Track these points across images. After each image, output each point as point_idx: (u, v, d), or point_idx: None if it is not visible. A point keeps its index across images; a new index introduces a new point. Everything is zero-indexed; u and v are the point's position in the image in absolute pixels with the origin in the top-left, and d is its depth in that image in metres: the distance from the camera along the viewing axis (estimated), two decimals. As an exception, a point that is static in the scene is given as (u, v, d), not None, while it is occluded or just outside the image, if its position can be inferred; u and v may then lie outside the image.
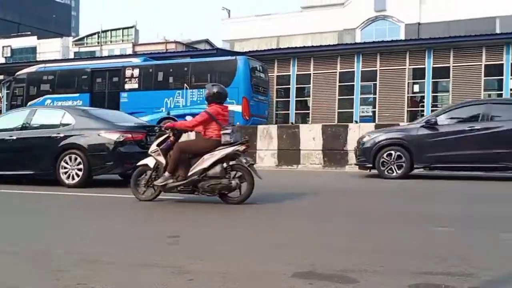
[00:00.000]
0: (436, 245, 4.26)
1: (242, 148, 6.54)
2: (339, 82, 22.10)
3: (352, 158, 12.39)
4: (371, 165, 10.34)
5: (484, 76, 19.99)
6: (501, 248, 4.11)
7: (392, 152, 10.03)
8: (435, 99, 21.47)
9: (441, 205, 6.73)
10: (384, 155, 10.08)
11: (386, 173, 10.07)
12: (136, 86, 18.85)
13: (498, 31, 27.90)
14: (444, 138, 9.78)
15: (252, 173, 6.49)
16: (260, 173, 6.57)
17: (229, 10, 40.00)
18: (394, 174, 10.01)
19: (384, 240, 4.48)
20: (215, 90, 6.70)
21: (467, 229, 4.97)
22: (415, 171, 10.37)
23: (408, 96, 21.23)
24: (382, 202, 7.22)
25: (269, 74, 20.31)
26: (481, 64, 19.93)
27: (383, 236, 4.68)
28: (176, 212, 6.36)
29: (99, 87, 19.58)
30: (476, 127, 9.63)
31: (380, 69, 21.41)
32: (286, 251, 4.06)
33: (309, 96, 22.70)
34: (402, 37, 31.61)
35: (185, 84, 18.11)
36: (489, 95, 20.85)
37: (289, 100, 22.87)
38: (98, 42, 57.33)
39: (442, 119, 10.02)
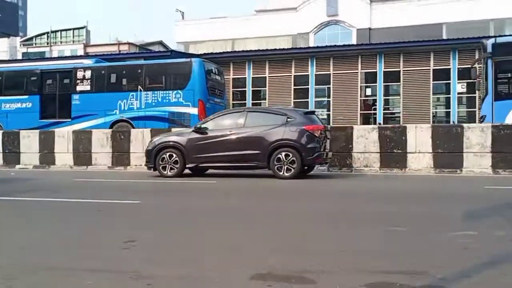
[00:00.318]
0: (390, 245, 4.37)
1: None
2: (294, 85, 22.34)
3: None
4: (152, 166, 11.43)
5: (433, 80, 20.67)
6: (452, 247, 4.25)
7: (170, 153, 11.24)
8: (386, 102, 22.06)
9: (379, 204, 6.91)
10: (165, 156, 11.23)
11: (164, 172, 11.21)
12: (88, 88, 18.40)
13: (444, 37, 28.97)
14: (208, 141, 11.12)
15: None
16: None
17: (183, 12, 39.75)
18: (170, 173, 11.18)
19: (339, 240, 4.56)
20: None
21: (419, 228, 5.12)
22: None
23: (361, 99, 21.70)
24: (318, 202, 7.34)
25: (225, 77, 20.30)
26: (429, 69, 20.62)
27: (337, 236, 4.76)
28: (132, 216, 6.25)
29: (49, 89, 18.99)
30: (234, 132, 10.96)
31: (333, 73, 21.78)
32: (243, 253, 4.06)
33: (265, 99, 22.83)
34: (354, 41, 32.29)
35: (139, 86, 17.84)
36: (438, 99, 21.60)
37: (245, 103, 22.94)
38: (47, 43, 55.68)
39: (210, 125, 11.32)
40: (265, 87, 22.73)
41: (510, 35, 19.61)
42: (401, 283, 3.13)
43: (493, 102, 14.13)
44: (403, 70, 20.92)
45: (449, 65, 20.35)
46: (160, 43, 40.30)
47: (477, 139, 11.88)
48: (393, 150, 12.48)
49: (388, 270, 3.47)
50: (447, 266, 3.53)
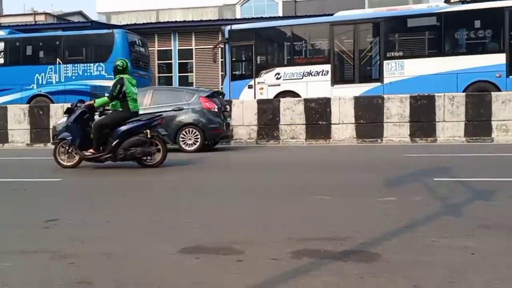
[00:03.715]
0: (315, 213, 4.50)
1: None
2: (221, 57, 22.11)
3: (236, 133, 12.71)
4: None
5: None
6: (374, 212, 4.44)
7: None
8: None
9: (304, 174, 7.10)
10: None
11: None
12: (1, 61, 17.27)
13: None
14: None
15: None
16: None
17: (104, -19, 37.90)
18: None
19: (265, 211, 4.62)
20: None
21: (343, 196, 5.30)
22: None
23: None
24: (239, 174, 7.44)
25: (150, 49, 19.74)
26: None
27: (263, 207, 4.82)
28: (54, 195, 5.99)
29: (-43, 61, 17.62)
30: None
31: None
32: (168, 229, 4.02)
33: (192, 71, 22.47)
34: (280, 14, 32.40)
35: (58, 59, 16.96)
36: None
37: (171, 76, 22.46)
38: (-47, 12, 51.29)
39: None
40: (192, 59, 22.35)
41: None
42: (325, 249, 3.23)
43: (230, 82, 15.70)
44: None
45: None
46: (80, 13, 38.31)
47: (396, 110, 12.41)
48: (318, 122, 12.78)
49: (313, 237, 3.57)
50: (369, 231, 3.68)
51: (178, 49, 22.32)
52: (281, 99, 13.37)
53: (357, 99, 12.77)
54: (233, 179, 7.04)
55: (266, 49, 16.33)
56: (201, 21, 23.29)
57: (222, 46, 16.53)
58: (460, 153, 9.69)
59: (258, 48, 15.79)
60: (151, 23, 24.47)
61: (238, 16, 31.97)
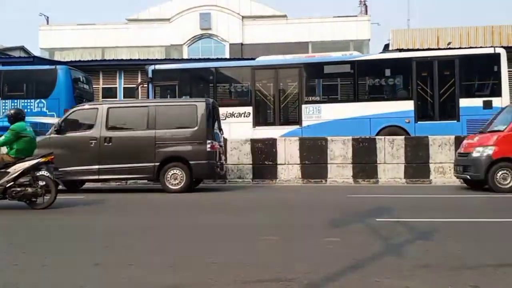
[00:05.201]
0: (262, 254, 4.46)
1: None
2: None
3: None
4: None
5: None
6: (318, 253, 4.47)
7: None
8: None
9: (250, 215, 7.10)
10: None
11: None
12: None
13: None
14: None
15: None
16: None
17: (48, 17, 37.31)
18: None
19: (212, 253, 4.55)
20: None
21: (288, 236, 5.31)
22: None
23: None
24: (182, 216, 7.36)
25: (94, 86, 19.41)
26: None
27: (210, 249, 4.75)
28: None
29: None
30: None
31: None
32: (113, 272, 3.87)
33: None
34: (227, 55, 32.93)
35: (-4, 94, 16.34)
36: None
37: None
38: None
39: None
40: (138, 97, 22.14)
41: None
42: (272, 291, 3.20)
43: None
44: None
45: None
46: (22, 48, 37.40)
47: (339, 151, 12.73)
48: (264, 162, 12.88)
49: (259, 279, 3.53)
50: (314, 271, 3.69)
51: (124, 87, 22.12)
52: (227, 138, 13.43)
53: (302, 140, 13.01)
54: (179, 220, 6.91)
55: (190, 89, 16.28)
56: (147, 60, 23.25)
57: (146, 85, 16.52)
58: (401, 194, 9.99)
59: (182, 88, 15.81)
60: (96, 60, 24.23)
61: (185, 57, 32.18)
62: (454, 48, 20.71)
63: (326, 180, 12.66)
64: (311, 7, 67.59)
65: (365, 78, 14.86)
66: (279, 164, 12.83)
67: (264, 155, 12.90)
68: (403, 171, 12.60)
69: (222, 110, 14.97)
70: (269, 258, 4.31)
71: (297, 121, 14.84)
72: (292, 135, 13.85)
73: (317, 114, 14.63)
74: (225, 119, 14.67)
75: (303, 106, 14.76)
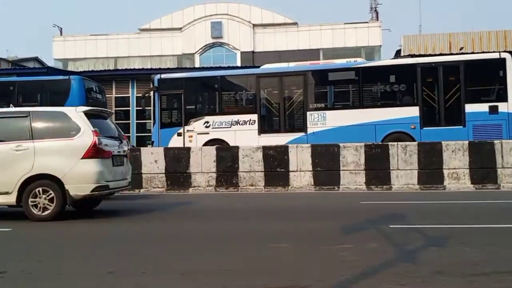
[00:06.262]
0: (274, 261, 4.45)
1: None
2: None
3: (195, 180, 12.60)
4: None
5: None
6: (331, 260, 4.44)
7: None
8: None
9: (263, 222, 7.07)
10: None
11: None
12: (-49, 105, 16.70)
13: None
14: None
15: None
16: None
17: (61, 28, 37.85)
18: None
19: (224, 259, 4.54)
20: None
21: (300, 244, 5.29)
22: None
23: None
24: (202, 222, 7.35)
25: (107, 96, 19.59)
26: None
27: (222, 255, 4.74)
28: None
29: None
30: None
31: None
32: (112, 280, 3.89)
33: (150, 118, 22.36)
34: (239, 63, 33.07)
35: (11, 105, 16.54)
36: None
37: (129, 123, 22.27)
38: None
39: None
40: (150, 106, 22.30)
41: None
42: (284, 299, 3.19)
43: (159, 129, 16.05)
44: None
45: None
46: (36, 59, 37.90)
47: (352, 158, 12.65)
48: (276, 169, 12.85)
49: (273, 286, 3.52)
50: (326, 278, 3.67)
51: (136, 96, 22.29)
52: (239, 146, 13.43)
53: (314, 147, 12.96)
54: (193, 227, 6.92)
55: (196, 98, 16.55)
56: (159, 69, 23.43)
57: (151, 94, 16.75)
58: (414, 201, 9.90)
59: (187, 97, 15.98)
60: (109, 70, 24.47)
61: (197, 65, 32.38)
62: (462, 54, 20.62)
63: (338, 187, 12.59)
64: (322, 14, 67.87)
65: (369, 84, 14.86)
66: (291, 171, 12.78)
67: (276, 162, 12.86)
68: (416, 177, 12.48)
69: (228, 118, 15.05)
70: (281, 265, 4.30)
71: (302, 128, 14.90)
72: (297, 143, 13.85)
73: (322, 121, 14.68)
74: (231, 126, 14.73)
75: (308, 113, 14.81)
